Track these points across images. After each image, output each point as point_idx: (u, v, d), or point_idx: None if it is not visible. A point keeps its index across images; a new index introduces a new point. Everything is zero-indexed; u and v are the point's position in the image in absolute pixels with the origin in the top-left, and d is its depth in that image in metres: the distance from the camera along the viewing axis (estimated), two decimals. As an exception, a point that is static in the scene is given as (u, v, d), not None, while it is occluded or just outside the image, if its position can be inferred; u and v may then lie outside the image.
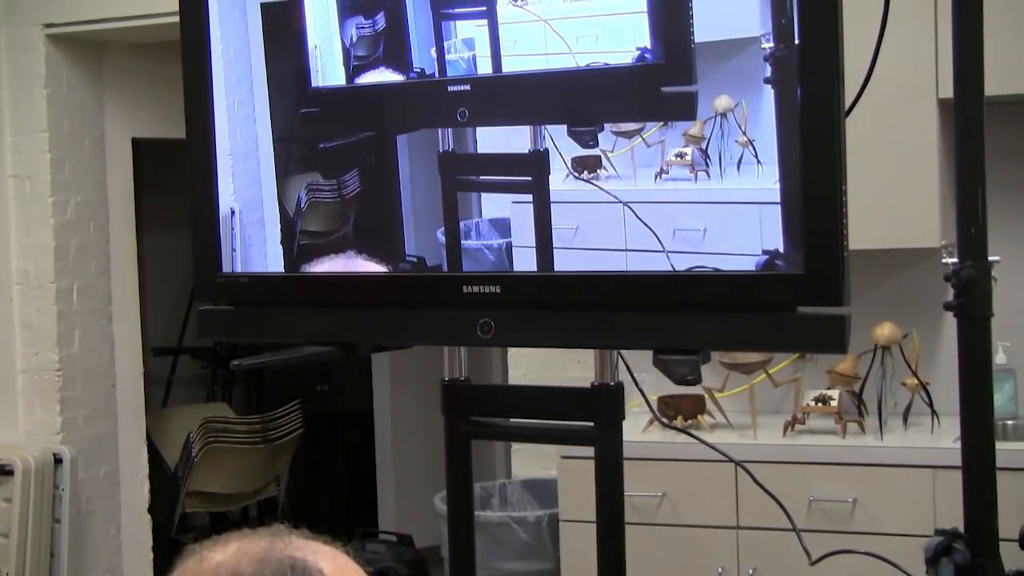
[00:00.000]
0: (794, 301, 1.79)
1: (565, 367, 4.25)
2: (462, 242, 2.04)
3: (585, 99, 1.96)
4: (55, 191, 4.99)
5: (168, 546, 5.53)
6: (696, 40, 1.84)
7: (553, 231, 1.97)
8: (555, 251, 1.97)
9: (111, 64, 5.27)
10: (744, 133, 1.83)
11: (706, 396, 4.02)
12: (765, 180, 1.82)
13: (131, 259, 5.37)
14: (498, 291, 1.98)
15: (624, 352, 2.16)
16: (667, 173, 1.90)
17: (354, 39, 2.10)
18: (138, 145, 5.40)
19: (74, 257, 5.07)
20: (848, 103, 1.86)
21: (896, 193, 3.80)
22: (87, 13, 4.90)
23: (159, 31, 4.69)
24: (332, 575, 1.13)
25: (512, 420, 2.31)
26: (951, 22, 1.93)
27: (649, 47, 1.88)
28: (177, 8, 2.24)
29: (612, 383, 2.09)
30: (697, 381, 1.88)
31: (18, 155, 5.01)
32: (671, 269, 1.88)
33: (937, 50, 3.67)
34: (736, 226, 1.86)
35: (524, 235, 1.99)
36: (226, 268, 2.21)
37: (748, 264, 1.83)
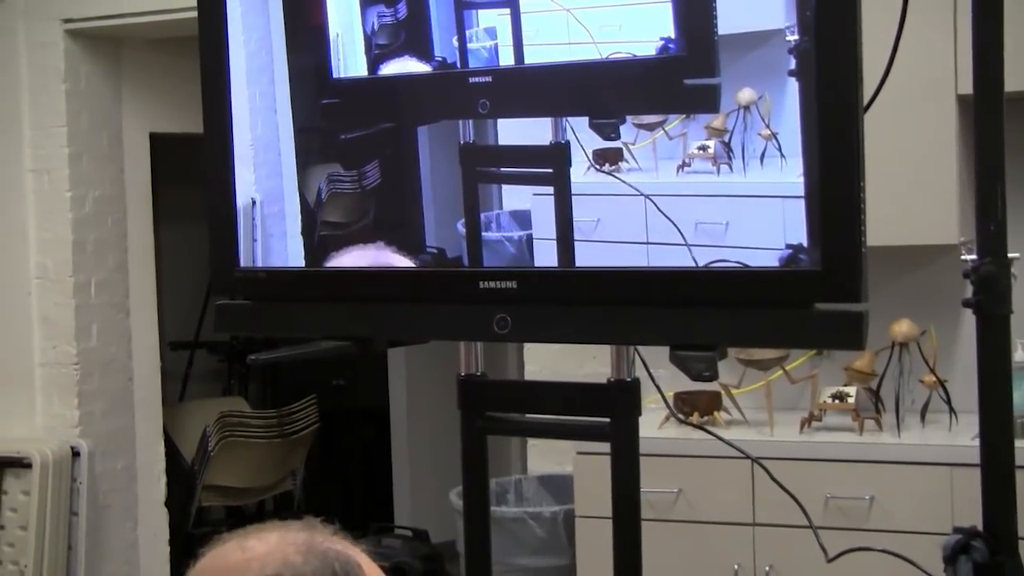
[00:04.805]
0: (811, 297, 1.79)
1: (581, 362, 4.25)
2: (482, 234, 2.03)
3: (607, 91, 1.94)
4: (73, 186, 5.01)
5: (184, 540, 5.55)
6: (719, 32, 1.83)
7: (574, 224, 1.96)
8: (576, 244, 1.96)
9: (129, 59, 5.28)
10: (767, 126, 1.82)
11: (722, 392, 4.01)
12: (789, 174, 1.80)
13: (148, 253, 5.38)
14: (515, 286, 1.98)
15: (640, 348, 2.16)
16: (689, 166, 1.89)
17: (375, 27, 2.09)
18: (155, 140, 5.41)
19: (92, 251, 5.09)
20: (866, 99, 1.85)
21: (914, 189, 3.79)
22: (105, 8, 4.91)
23: (177, 26, 4.70)
24: (367, 569, 1.14)
25: (528, 416, 2.31)
26: (970, 17, 1.92)
27: (673, 37, 1.87)
28: (195, 3, 2.24)
29: (628, 379, 2.09)
30: (714, 377, 1.87)
31: (37, 150, 5.03)
32: (693, 263, 1.87)
33: (956, 46, 3.66)
34: (759, 220, 1.84)
35: (545, 227, 1.98)
36: (247, 259, 2.21)
37: (771, 259, 1.81)
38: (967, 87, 2.00)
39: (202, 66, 2.23)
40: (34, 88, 5.02)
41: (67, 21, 4.97)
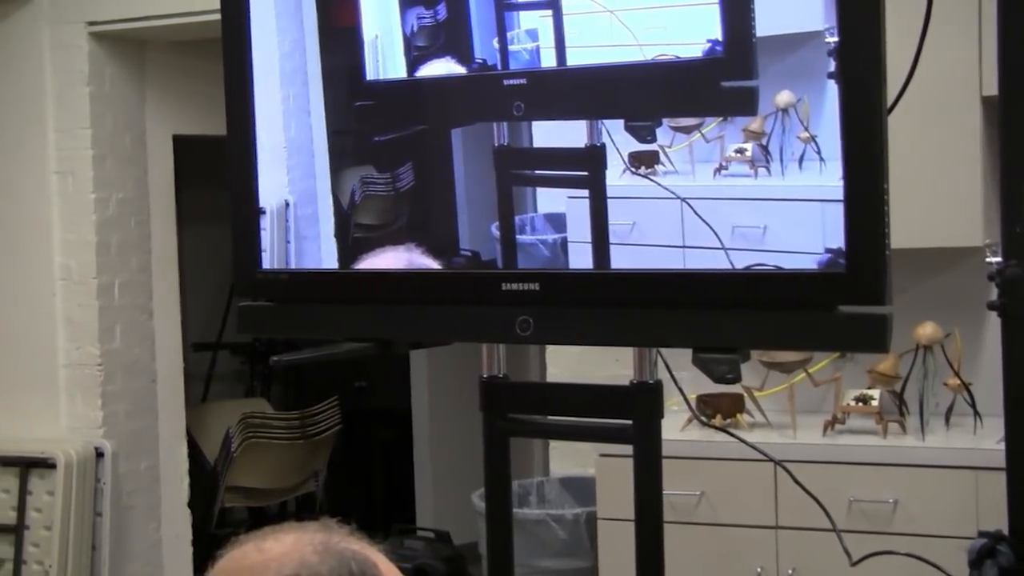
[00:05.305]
0: (835, 299, 1.78)
1: (603, 365, 4.24)
2: (517, 237, 2.02)
3: (643, 94, 1.93)
4: (97, 187, 5.03)
5: (207, 541, 5.56)
6: (758, 34, 1.81)
7: (609, 227, 1.94)
8: (611, 247, 1.94)
9: (152, 62, 5.31)
10: (806, 129, 1.80)
11: (745, 395, 4.00)
12: (828, 177, 1.78)
13: (171, 255, 5.40)
14: (537, 288, 1.98)
15: (663, 350, 2.16)
16: (726, 169, 1.87)
17: (415, 29, 2.08)
18: (178, 141, 5.43)
19: (115, 253, 5.11)
20: (891, 101, 1.84)
21: (939, 191, 3.77)
22: (129, 11, 4.92)
23: (200, 28, 4.71)
24: (384, 569, 1.14)
25: (550, 418, 2.31)
26: (995, 19, 1.91)
27: (720, 39, 1.84)
28: (218, 5, 2.24)
29: (651, 381, 2.09)
30: (737, 380, 1.87)
31: (61, 151, 5.05)
32: (730, 266, 1.85)
33: (981, 47, 3.64)
34: (798, 224, 1.83)
35: (580, 231, 1.97)
36: (280, 261, 2.21)
37: (810, 263, 1.80)
38: (992, 89, 2.00)
39: (225, 68, 2.24)
40: (58, 90, 5.04)
41: (91, 24, 4.99)
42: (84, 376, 5.07)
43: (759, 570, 3.76)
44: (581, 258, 1.97)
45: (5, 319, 5.17)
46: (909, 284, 4.01)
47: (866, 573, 2.33)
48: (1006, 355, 1.91)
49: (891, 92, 1.82)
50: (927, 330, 3.79)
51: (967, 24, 3.63)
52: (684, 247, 1.89)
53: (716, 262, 1.86)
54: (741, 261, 1.85)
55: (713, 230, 1.86)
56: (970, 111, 3.74)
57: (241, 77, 2.21)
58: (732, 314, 1.85)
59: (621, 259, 1.94)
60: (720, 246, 1.86)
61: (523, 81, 1.99)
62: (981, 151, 3.75)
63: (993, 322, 1.92)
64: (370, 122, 2.15)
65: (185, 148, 5.54)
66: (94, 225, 5.02)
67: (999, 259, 1.92)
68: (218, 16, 2.24)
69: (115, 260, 5.10)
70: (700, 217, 1.87)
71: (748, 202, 1.87)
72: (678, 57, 1.88)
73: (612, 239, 1.94)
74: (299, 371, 7.23)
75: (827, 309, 1.79)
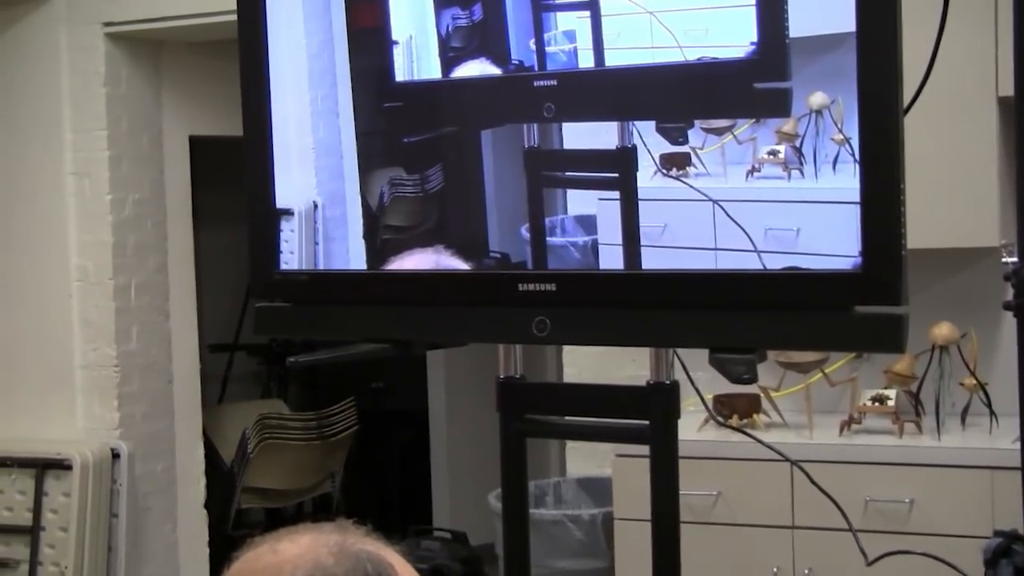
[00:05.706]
0: (852, 300, 1.78)
1: (620, 365, 4.24)
2: (547, 239, 2.01)
3: (674, 95, 1.92)
4: (113, 188, 5.04)
5: (223, 542, 5.57)
6: (791, 35, 1.80)
7: (640, 229, 1.94)
8: (642, 249, 1.93)
9: (169, 62, 5.32)
10: (840, 131, 1.79)
11: (761, 395, 3.99)
12: None
13: (188, 256, 5.41)
14: (554, 289, 1.98)
15: (680, 351, 2.16)
16: (759, 171, 1.86)
17: (450, 30, 2.07)
18: (194, 142, 5.44)
19: (132, 254, 5.12)
20: (907, 101, 1.84)
21: (955, 192, 3.77)
22: (146, 12, 4.94)
23: (216, 29, 4.72)
24: (400, 570, 1.15)
25: (567, 418, 2.31)
26: (1011, 19, 1.91)
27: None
28: (234, 6, 2.25)
29: (667, 381, 2.09)
30: (753, 380, 1.87)
31: (77, 153, 5.06)
32: (763, 269, 1.85)
33: (997, 47, 3.63)
34: (832, 226, 1.82)
35: (611, 232, 1.96)
36: (308, 262, 2.21)
37: (844, 265, 1.79)
38: (1008, 89, 2.00)
39: (241, 68, 2.24)
40: (75, 91, 5.06)
41: (108, 24, 5.00)
42: (100, 377, 5.09)
43: (776, 570, 3.75)
44: (611, 260, 1.96)
45: (22, 320, 5.19)
46: (925, 284, 4.00)
47: (882, 573, 2.32)
48: (1021, 355, 1.91)
49: (907, 92, 1.82)
50: (943, 330, 3.78)
51: (983, 25, 3.63)
52: (716, 249, 1.87)
53: (749, 264, 1.85)
54: (774, 263, 1.84)
55: (746, 232, 1.85)
56: (986, 111, 3.73)
57: (257, 77, 2.22)
58: (749, 314, 1.85)
59: (652, 261, 1.93)
60: (753, 248, 1.84)
61: (553, 82, 1.98)
62: (997, 151, 3.74)
63: (1009, 322, 1.92)
64: (399, 123, 2.15)
65: (201, 149, 5.55)
66: (110, 226, 5.04)
67: (1015, 259, 1.92)
68: (234, 17, 2.25)
69: (131, 261, 5.12)
70: (732, 219, 1.86)
71: (781, 204, 1.85)
72: (714, 58, 1.87)
73: (643, 241, 1.93)
74: (315, 372, 7.24)
75: (844, 309, 1.79)
